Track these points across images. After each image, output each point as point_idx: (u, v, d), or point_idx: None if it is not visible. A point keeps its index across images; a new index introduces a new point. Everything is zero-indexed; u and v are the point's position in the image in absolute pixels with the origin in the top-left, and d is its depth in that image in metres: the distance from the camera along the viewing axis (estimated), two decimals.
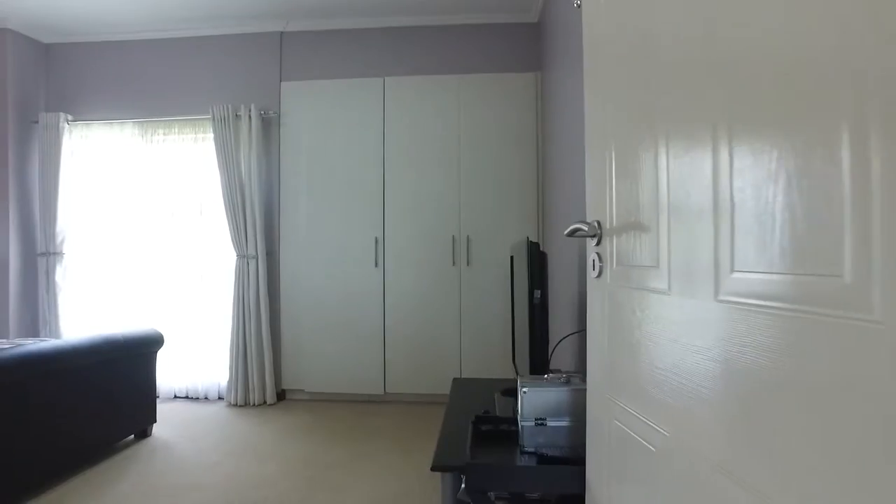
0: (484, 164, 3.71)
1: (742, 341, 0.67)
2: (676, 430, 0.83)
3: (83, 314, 3.97)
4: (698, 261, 0.77)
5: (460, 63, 3.80)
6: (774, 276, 0.61)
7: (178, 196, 3.91)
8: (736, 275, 0.68)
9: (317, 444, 2.93)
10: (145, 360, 2.97)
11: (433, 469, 1.50)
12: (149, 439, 2.99)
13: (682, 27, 0.81)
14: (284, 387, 3.82)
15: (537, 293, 1.77)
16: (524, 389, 1.45)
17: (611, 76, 1.11)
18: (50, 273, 3.87)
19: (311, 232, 3.80)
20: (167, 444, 2.93)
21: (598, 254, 1.15)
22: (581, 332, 2.26)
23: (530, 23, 3.79)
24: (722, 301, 0.71)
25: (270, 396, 3.70)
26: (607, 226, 1.12)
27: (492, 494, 1.40)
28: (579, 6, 1.30)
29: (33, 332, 3.91)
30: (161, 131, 3.90)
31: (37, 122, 3.88)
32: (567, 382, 1.48)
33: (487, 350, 3.66)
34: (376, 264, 3.75)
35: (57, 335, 3.84)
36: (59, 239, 3.86)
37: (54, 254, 3.86)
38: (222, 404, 3.72)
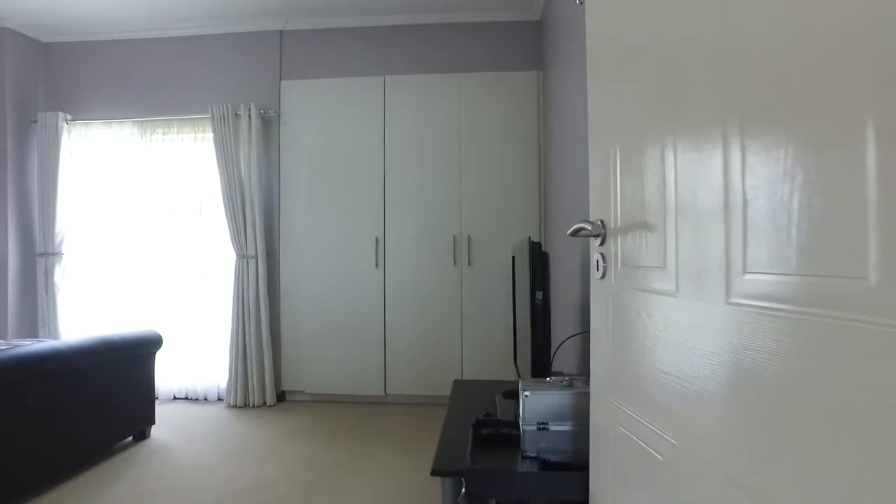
0: (485, 163, 3.67)
1: (754, 346, 0.63)
2: (684, 438, 0.80)
3: (82, 315, 3.95)
4: (708, 261, 0.73)
5: (461, 61, 3.77)
6: (791, 278, 0.57)
7: (177, 196, 3.88)
8: (748, 276, 0.64)
9: (317, 445, 2.90)
10: (143, 362, 2.95)
11: (433, 474, 1.46)
12: (147, 441, 2.96)
13: (692, 23, 0.78)
14: (284, 388, 3.79)
15: (539, 294, 1.74)
16: (526, 393, 1.41)
17: (615, 73, 1.08)
18: (49, 273, 3.85)
19: (311, 232, 3.77)
20: (166, 445, 2.90)
21: (601, 254, 1.11)
22: (583, 333, 2.23)
23: (532, 21, 3.76)
24: (733, 304, 0.67)
25: (270, 398, 3.67)
26: (611, 225, 1.08)
27: (492, 501, 1.36)
28: (582, 3, 1.27)
29: (32, 332, 3.89)
30: (160, 131, 3.88)
31: (35, 121, 3.86)
32: (570, 386, 1.45)
33: (489, 351, 3.62)
34: (377, 264, 3.72)
35: (56, 336, 3.82)
36: (57, 239, 3.84)
37: (53, 254, 3.84)
38: (222, 405, 3.70)
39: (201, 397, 3.82)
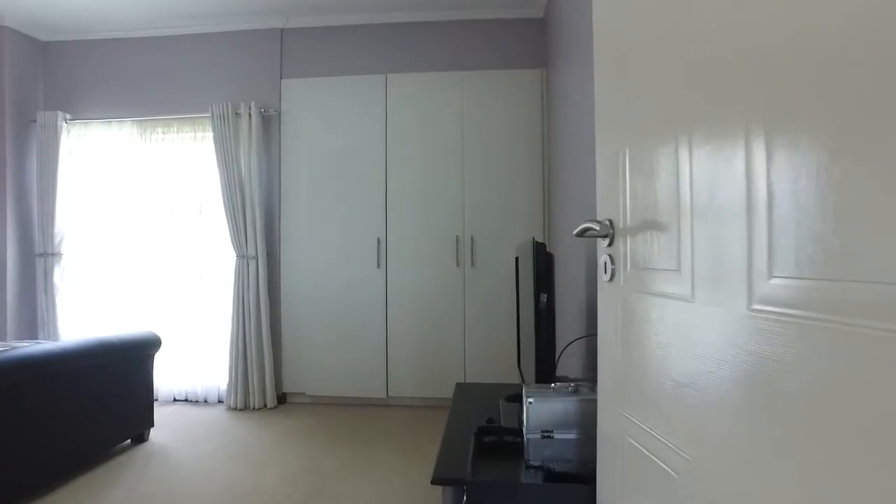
0: (488, 162, 3.62)
1: (780, 357, 0.58)
2: (700, 454, 0.74)
3: (82, 315, 3.91)
4: (728, 264, 0.68)
5: (464, 59, 3.72)
6: (824, 283, 0.52)
7: (177, 196, 3.85)
8: (775, 281, 0.59)
9: (318, 448, 2.86)
10: (142, 363, 2.91)
11: (433, 483, 1.41)
12: (146, 444, 2.92)
13: (711, 15, 0.73)
14: (285, 390, 3.75)
15: (544, 297, 1.68)
16: (530, 400, 1.36)
17: (623, 69, 1.03)
18: (48, 274, 3.81)
19: (312, 232, 3.73)
20: (164, 448, 2.86)
21: (609, 255, 1.06)
22: (589, 336, 2.17)
23: (535, 18, 3.70)
24: (756, 311, 0.62)
25: (271, 400, 3.63)
26: (620, 225, 1.03)
27: None
28: None
29: (31, 333, 3.86)
30: (160, 130, 3.84)
31: (34, 120, 3.83)
32: (575, 392, 1.39)
33: (492, 353, 3.57)
34: (378, 265, 3.67)
35: (55, 337, 3.79)
36: (57, 239, 3.80)
37: (52, 254, 3.81)
38: (222, 408, 3.65)
39: (201, 399, 3.78)
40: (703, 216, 0.74)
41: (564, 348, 2.14)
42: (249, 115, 3.64)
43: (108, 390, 2.65)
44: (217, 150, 3.64)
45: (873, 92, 0.46)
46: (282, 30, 3.81)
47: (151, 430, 3.02)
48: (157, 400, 3.68)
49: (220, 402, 3.76)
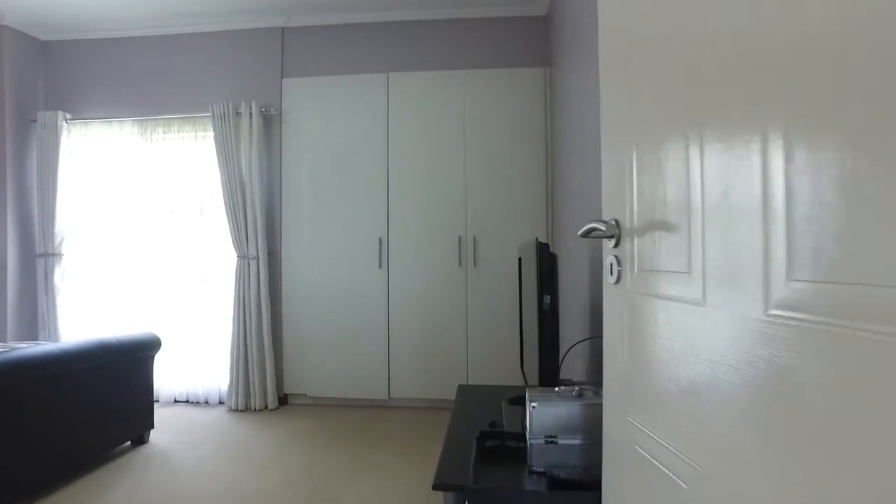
0: (491, 161, 3.59)
1: (800, 366, 0.54)
2: (711, 465, 0.71)
3: (82, 316, 3.90)
4: (742, 266, 0.64)
5: (466, 58, 3.68)
6: (852, 288, 0.48)
7: (177, 196, 3.82)
8: (795, 284, 0.55)
9: (319, 450, 2.83)
10: (141, 365, 2.88)
11: (434, 489, 1.39)
12: (145, 446, 2.90)
13: (724, 11, 0.69)
14: (287, 391, 3.72)
15: (547, 298, 1.65)
16: (533, 404, 1.33)
17: (630, 66, 0.99)
18: (49, 274, 3.80)
19: (313, 232, 3.70)
20: (164, 451, 2.84)
21: (616, 257, 1.03)
22: (593, 338, 2.14)
23: (538, 16, 3.67)
24: (774, 316, 0.58)
25: (272, 401, 3.60)
26: (627, 225, 1.00)
27: None
28: None
29: (32, 334, 3.85)
30: (160, 129, 3.82)
31: (35, 120, 3.81)
32: (580, 396, 1.36)
33: (495, 354, 3.54)
34: (380, 265, 3.64)
35: (56, 338, 3.77)
36: (57, 240, 3.79)
37: (53, 255, 3.79)
38: (223, 409, 3.63)
39: (202, 400, 3.76)
40: (716, 216, 0.71)
41: (568, 350, 2.11)
42: (250, 114, 3.62)
43: (108, 392, 2.63)
44: (218, 149, 3.62)
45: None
46: (283, 28, 3.79)
47: (151, 431, 2.99)
48: (157, 401, 3.66)
49: (220, 403, 3.74)
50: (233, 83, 3.79)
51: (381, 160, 3.65)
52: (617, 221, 1.03)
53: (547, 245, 1.75)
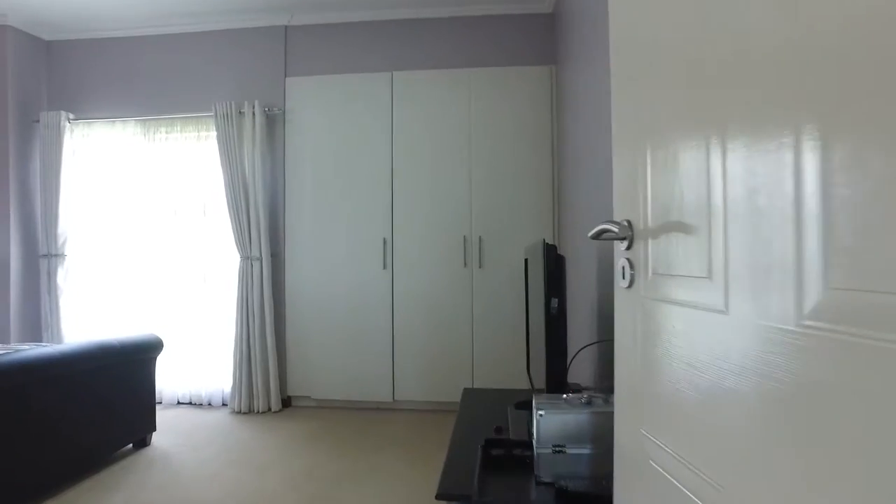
0: (497, 161, 3.54)
1: (838, 384, 0.49)
2: (734, 485, 0.66)
3: (86, 317, 3.88)
4: (772, 272, 0.59)
5: (471, 56, 3.64)
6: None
7: (180, 196, 3.80)
8: (834, 293, 0.50)
9: (322, 453, 2.80)
10: (143, 367, 2.86)
11: (438, 498, 1.34)
12: (148, 448, 2.88)
13: (742, 9, 0.64)
14: (290, 393, 3.69)
15: (555, 301, 1.60)
16: (540, 412, 1.28)
17: (643, 65, 0.94)
18: (52, 275, 3.78)
19: (317, 233, 3.66)
20: (166, 453, 2.81)
21: (628, 260, 0.98)
22: (601, 342, 2.09)
23: (545, 13, 3.62)
24: (808, 327, 0.53)
25: (275, 403, 3.57)
26: (640, 227, 0.94)
27: None
28: None
29: (35, 335, 3.83)
30: (163, 129, 3.80)
31: (38, 120, 3.80)
32: (589, 403, 1.31)
33: (501, 356, 3.48)
34: (385, 266, 3.60)
35: (59, 339, 3.75)
36: (60, 240, 3.77)
37: (56, 255, 3.77)
38: (226, 411, 3.60)
39: (205, 402, 3.73)
40: (740, 217, 0.65)
41: (576, 354, 2.06)
42: (253, 113, 3.59)
43: (110, 394, 2.61)
44: (221, 149, 3.59)
45: None
46: (286, 27, 3.75)
47: (154, 433, 2.97)
48: (160, 403, 3.63)
49: (223, 405, 3.71)
50: (236, 82, 3.76)
51: (385, 159, 3.61)
52: (629, 222, 0.98)
53: (554, 247, 1.70)
